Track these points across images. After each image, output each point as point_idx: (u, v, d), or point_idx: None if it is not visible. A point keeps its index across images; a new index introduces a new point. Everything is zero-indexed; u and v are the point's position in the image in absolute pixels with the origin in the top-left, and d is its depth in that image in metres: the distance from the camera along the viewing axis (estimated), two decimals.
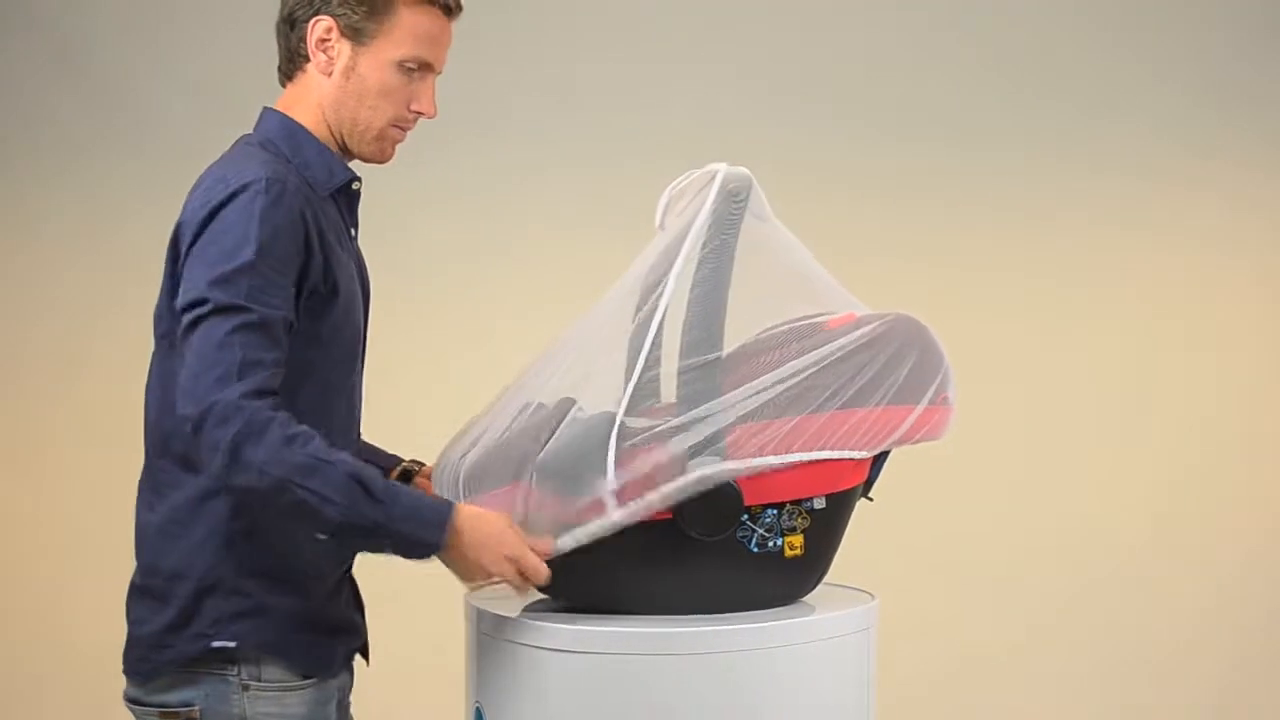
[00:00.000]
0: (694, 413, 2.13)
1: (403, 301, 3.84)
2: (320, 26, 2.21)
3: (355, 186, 2.30)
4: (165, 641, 2.17)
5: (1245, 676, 4.54)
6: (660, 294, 2.16)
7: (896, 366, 2.21)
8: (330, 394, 2.22)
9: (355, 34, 2.21)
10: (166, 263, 2.18)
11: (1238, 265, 4.58)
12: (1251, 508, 4.56)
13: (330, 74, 2.23)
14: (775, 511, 2.19)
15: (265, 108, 2.29)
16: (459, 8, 2.27)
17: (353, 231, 2.32)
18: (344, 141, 2.26)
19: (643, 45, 4.40)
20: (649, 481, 2.11)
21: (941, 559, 4.36)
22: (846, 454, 2.19)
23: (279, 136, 2.24)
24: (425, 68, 2.25)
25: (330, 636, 2.26)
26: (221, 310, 2.03)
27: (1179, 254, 4.56)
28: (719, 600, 2.21)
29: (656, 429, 2.12)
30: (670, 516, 2.14)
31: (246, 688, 2.16)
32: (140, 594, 2.23)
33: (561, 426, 2.16)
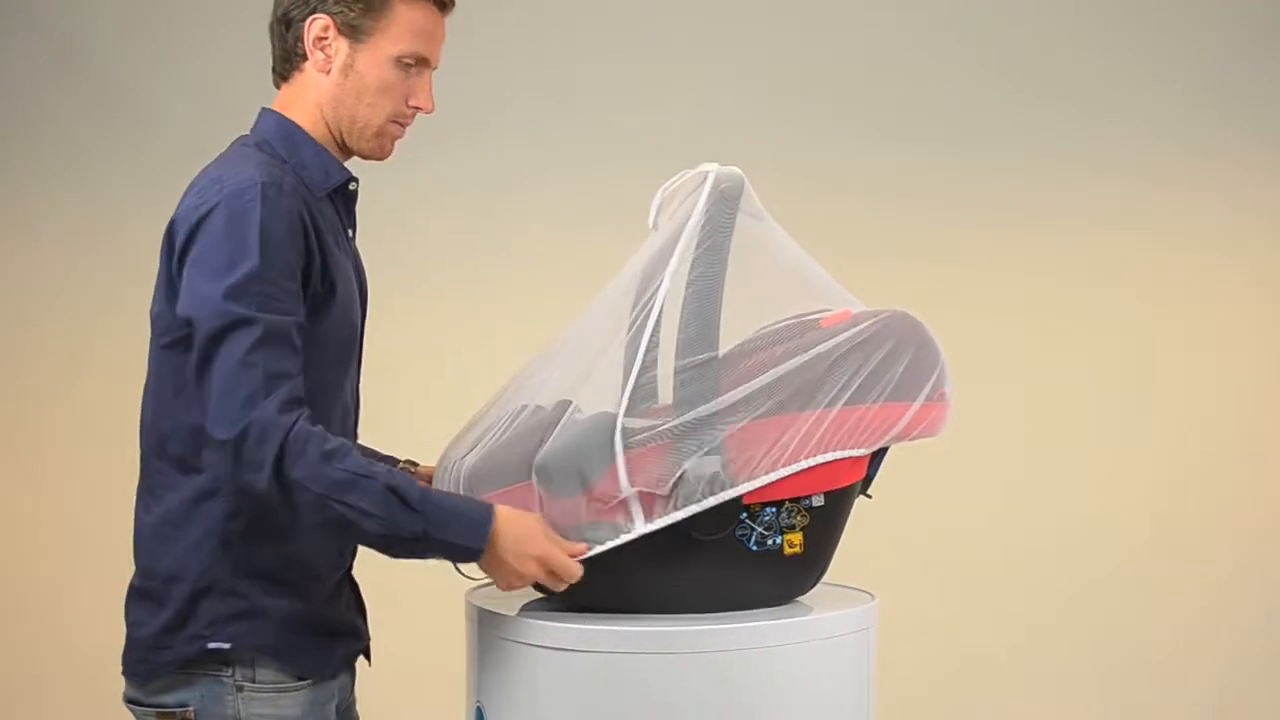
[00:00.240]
0: (692, 414, 2.13)
1: (402, 300, 3.84)
2: (317, 25, 2.21)
3: (352, 187, 2.30)
4: (162, 643, 2.17)
5: (1245, 676, 4.54)
6: (655, 294, 2.16)
7: (893, 363, 2.21)
8: (326, 394, 2.21)
9: (353, 31, 2.21)
10: (161, 260, 2.18)
11: (1238, 265, 4.58)
12: (1251, 508, 4.56)
13: (328, 72, 2.23)
14: (774, 510, 2.19)
15: (263, 108, 2.29)
16: (452, 3, 2.28)
17: (350, 232, 2.32)
18: (343, 139, 2.26)
19: (643, 45, 4.40)
20: (660, 486, 2.11)
21: (942, 559, 4.36)
22: (846, 453, 2.20)
23: (276, 137, 2.24)
24: (422, 63, 2.25)
25: (328, 638, 2.26)
26: (235, 326, 2.04)
27: (1179, 254, 4.56)
28: (719, 599, 2.21)
29: (656, 429, 2.12)
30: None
31: (241, 689, 2.16)
32: (138, 596, 2.23)
33: (560, 428, 2.16)
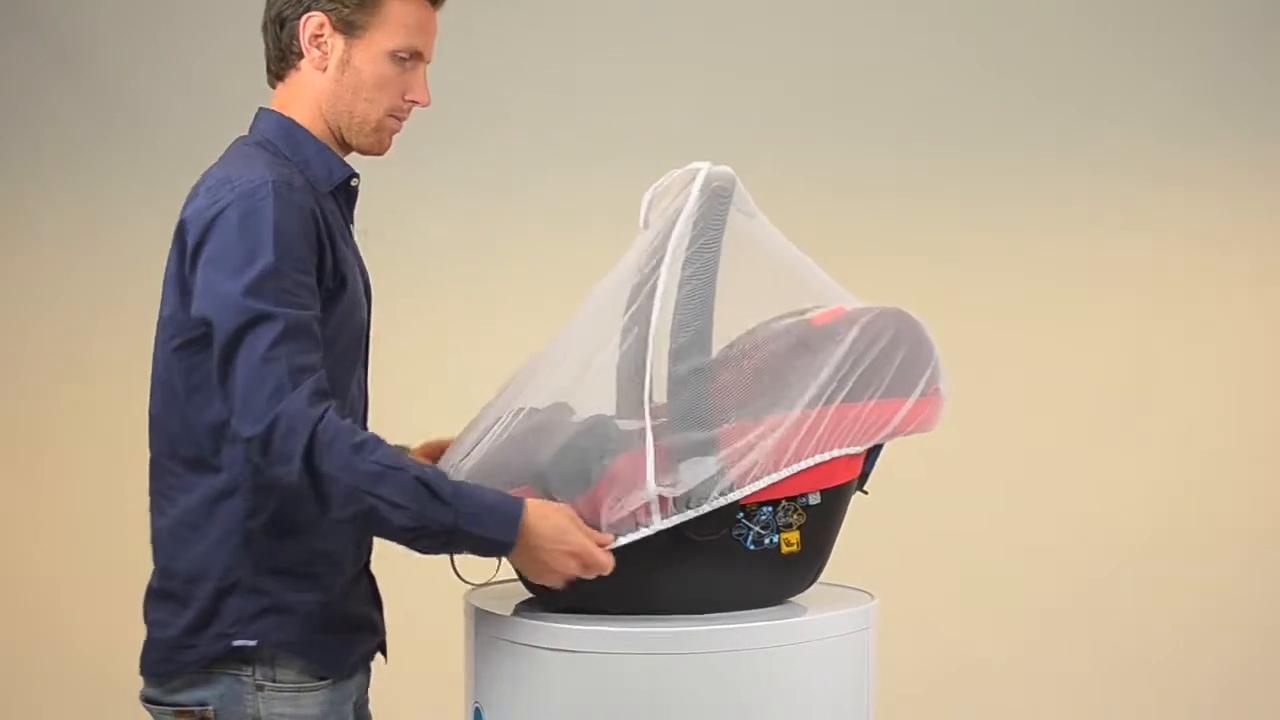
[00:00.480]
0: (688, 413, 2.12)
1: (402, 299, 3.83)
2: (312, 22, 2.22)
3: (355, 183, 2.30)
4: (187, 643, 2.17)
5: (1245, 676, 4.53)
6: (651, 294, 2.15)
7: (887, 359, 2.21)
8: (335, 392, 2.20)
9: (347, 27, 2.22)
10: (171, 262, 2.18)
11: (1238, 265, 4.58)
12: (1252, 508, 4.56)
13: (325, 69, 2.23)
14: (771, 509, 2.19)
15: (261, 108, 2.29)
16: None
17: (352, 228, 2.32)
18: (342, 135, 2.27)
19: (643, 45, 4.40)
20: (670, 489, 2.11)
21: (941, 558, 4.36)
22: (843, 451, 2.20)
23: (277, 136, 2.24)
24: (416, 57, 2.26)
25: (349, 634, 2.26)
26: (256, 322, 2.04)
27: (1179, 254, 4.56)
28: (717, 599, 2.21)
29: (653, 429, 2.11)
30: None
31: (261, 688, 2.16)
32: (158, 597, 2.23)
33: (558, 430, 2.16)
